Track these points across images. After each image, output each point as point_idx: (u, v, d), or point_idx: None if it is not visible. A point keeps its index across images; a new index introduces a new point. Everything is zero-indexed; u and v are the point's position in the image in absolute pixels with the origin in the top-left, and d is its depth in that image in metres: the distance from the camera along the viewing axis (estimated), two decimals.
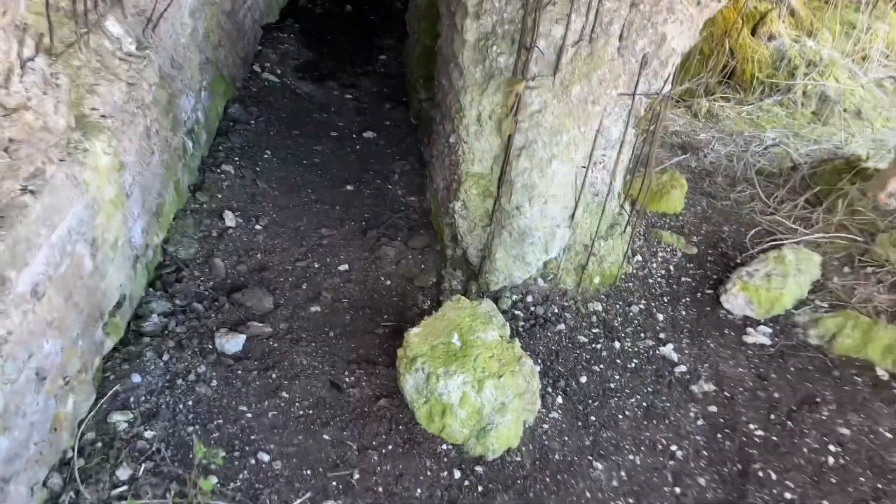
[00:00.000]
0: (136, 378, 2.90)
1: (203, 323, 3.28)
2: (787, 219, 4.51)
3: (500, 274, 3.65)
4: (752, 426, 3.15)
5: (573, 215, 3.59)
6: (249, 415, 2.87)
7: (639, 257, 4.08)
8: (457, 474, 2.77)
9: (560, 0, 3.07)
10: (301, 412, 2.93)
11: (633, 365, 3.41)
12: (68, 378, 2.49)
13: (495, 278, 3.67)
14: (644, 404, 3.20)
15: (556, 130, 3.34)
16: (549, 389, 3.20)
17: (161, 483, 2.48)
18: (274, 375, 3.08)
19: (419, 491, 2.69)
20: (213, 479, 2.52)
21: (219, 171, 4.37)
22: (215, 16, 4.75)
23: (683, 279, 4.02)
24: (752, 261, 3.92)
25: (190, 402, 2.85)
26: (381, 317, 3.57)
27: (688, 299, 3.87)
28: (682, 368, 3.41)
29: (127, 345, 3.04)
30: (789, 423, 3.18)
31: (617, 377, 3.33)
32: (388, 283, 3.82)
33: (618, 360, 3.42)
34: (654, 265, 4.07)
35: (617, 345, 3.50)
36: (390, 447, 2.84)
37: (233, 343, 3.18)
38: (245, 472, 2.62)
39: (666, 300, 3.85)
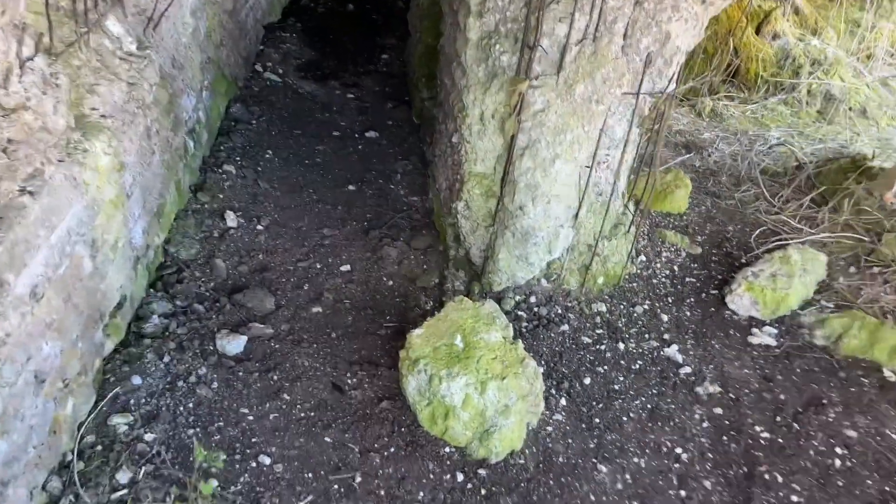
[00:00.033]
0: (137, 380, 2.88)
1: (204, 324, 3.26)
2: (793, 218, 4.48)
3: (503, 274, 3.63)
4: (757, 428, 3.12)
5: (577, 215, 3.57)
6: (251, 417, 2.85)
7: (643, 257, 4.05)
8: (459, 477, 2.75)
9: None
10: (302, 414, 2.91)
11: (637, 366, 3.38)
12: (68, 380, 2.47)
13: (498, 279, 3.64)
14: (649, 406, 3.17)
15: (559, 130, 3.31)
16: (553, 391, 3.17)
17: (161, 486, 2.46)
18: (275, 377, 3.06)
19: (422, 494, 2.66)
20: (214, 483, 2.50)
21: (220, 171, 4.35)
22: (217, 15, 4.73)
23: (688, 279, 3.99)
24: (758, 261, 3.89)
25: (191, 405, 2.83)
26: (384, 318, 3.55)
27: (692, 300, 3.84)
28: (687, 370, 3.38)
29: (127, 346, 3.02)
30: (795, 425, 3.15)
31: (621, 379, 3.30)
32: (391, 283, 3.80)
33: (622, 362, 3.39)
34: (659, 265, 4.04)
35: (621, 346, 3.47)
36: (392, 450, 2.81)
37: (234, 344, 3.16)
38: (246, 475, 2.60)
39: (670, 301, 3.82)
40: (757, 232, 4.37)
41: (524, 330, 3.47)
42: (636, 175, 3.89)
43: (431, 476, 2.73)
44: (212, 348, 3.13)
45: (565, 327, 3.52)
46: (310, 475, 2.66)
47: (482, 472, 2.78)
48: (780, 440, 3.07)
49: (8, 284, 2.01)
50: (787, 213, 4.55)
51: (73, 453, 2.49)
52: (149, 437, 2.64)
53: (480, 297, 3.61)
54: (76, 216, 2.46)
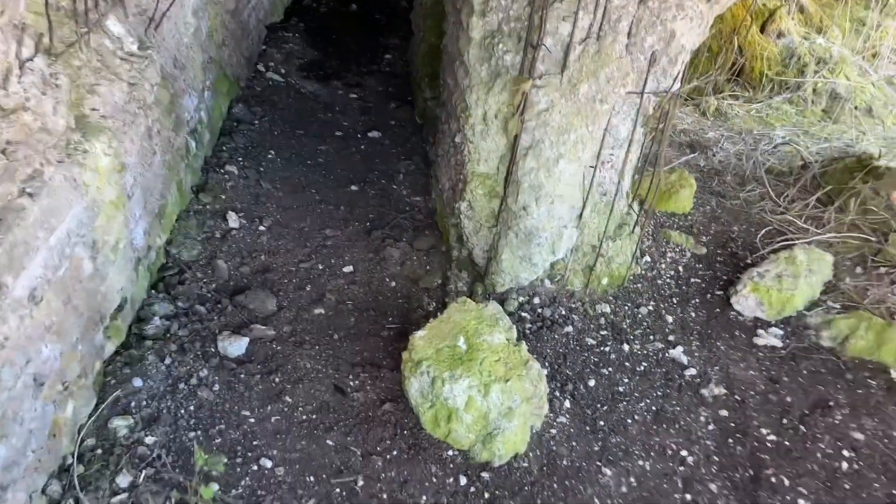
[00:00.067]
0: (138, 382, 2.86)
1: (205, 326, 3.24)
2: (798, 218, 4.44)
3: (507, 275, 3.60)
4: (763, 431, 3.09)
5: (581, 215, 3.54)
6: (252, 420, 2.83)
7: (647, 258, 4.02)
8: (463, 481, 2.72)
9: None
10: (304, 417, 2.89)
11: (642, 368, 3.35)
12: (67, 383, 2.45)
13: (501, 280, 3.61)
14: (653, 408, 3.15)
15: (563, 129, 3.29)
16: (557, 393, 3.15)
17: (162, 490, 2.44)
18: (277, 379, 3.04)
19: (424, 498, 2.64)
20: (215, 486, 2.48)
21: (222, 171, 4.33)
22: (219, 15, 4.72)
23: (693, 280, 3.96)
24: (763, 261, 3.86)
25: (192, 407, 2.81)
26: (386, 319, 3.53)
27: (697, 301, 3.81)
28: (692, 371, 3.35)
29: (128, 348, 3.00)
30: (802, 427, 3.12)
31: (626, 381, 3.27)
32: (393, 284, 3.77)
33: (626, 363, 3.37)
34: (663, 266, 4.01)
35: (626, 347, 3.45)
36: (395, 453, 2.79)
37: (235, 346, 3.14)
38: (247, 478, 2.58)
39: (675, 301, 3.79)
40: (762, 232, 4.33)
41: (528, 331, 3.44)
42: (640, 175, 3.86)
43: (434, 479, 2.71)
44: (213, 350, 3.11)
45: (569, 328, 3.49)
46: (311, 479, 2.63)
47: (485, 475, 2.75)
48: (787, 443, 3.04)
49: (6, 287, 2.00)
50: (792, 213, 4.51)
51: (73, 457, 2.47)
52: (149, 440, 2.62)
53: (483, 298, 3.59)
54: (76, 218, 2.44)
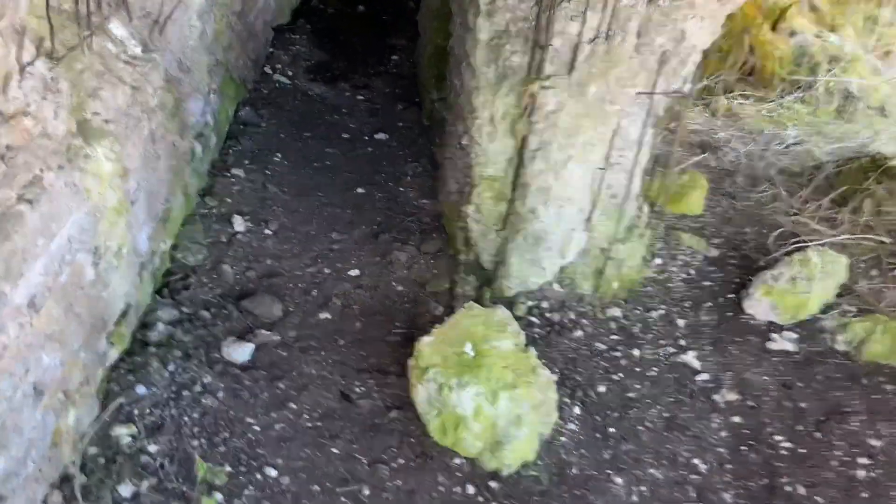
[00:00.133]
0: (141, 389, 2.82)
1: (210, 331, 3.21)
2: (812, 220, 4.36)
3: (515, 279, 3.55)
4: (778, 437, 3.03)
5: (590, 218, 3.49)
6: (256, 427, 2.79)
7: (658, 260, 3.96)
8: (470, 490, 2.68)
9: None
10: (310, 424, 2.85)
11: (653, 373, 3.29)
12: (69, 391, 2.42)
13: (510, 284, 3.57)
14: (665, 415, 3.09)
15: (572, 131, 3.24)
16: (567, 400, 3.09)
17: (164, 500, 2.41)
18: (282, 386, 3.00)
19: None
20: (218, 496, 2.45)
21: (228, 174, 4.31)
22: (225, 17, 4.68)
23: (704, 283, 3.89)
24: (776, 264, 3.79)
25: (196, 415, 2.78)
26: (393, 324, 3.48)
27: (709, 304, 3.75)
28: (705, 377, 3.29)
29: (132, 355, 2.97)
30: (817, 433, 3.05)
31: (637, 386, 3.21)
32: (400, 288, 3.73)
33: (637, 369, 3.31)
34: (674, 269, 3.95)
35: (636, 352, 3.39)
36: (402, 461, 2.75)
37: (240, 352, 3.11)
38: (251, 487, 2.55)
39: (687, 305, 3.72)
40: (775, 234, 4.25)
41: (537, 336, 3.39)
42: (651, 176, 3.80)
43: (441, 489, 2.67)
44: (218, 356, 3.08)
45: (579, 333, 3.44)
46: (316, 488, 2.60)
47: (494, 484, 2.70)
48: (802, 450, 2.98)
49: (5, 295, 1.96)
50: (805, 215, 4.43)
51: (74, 466, 2.44)
52: (152, 448, 2.59)
53: (491, 302, 3.53)
54: (77, 223, 2.41)
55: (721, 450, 2.96)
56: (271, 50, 5.96)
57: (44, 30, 2.51)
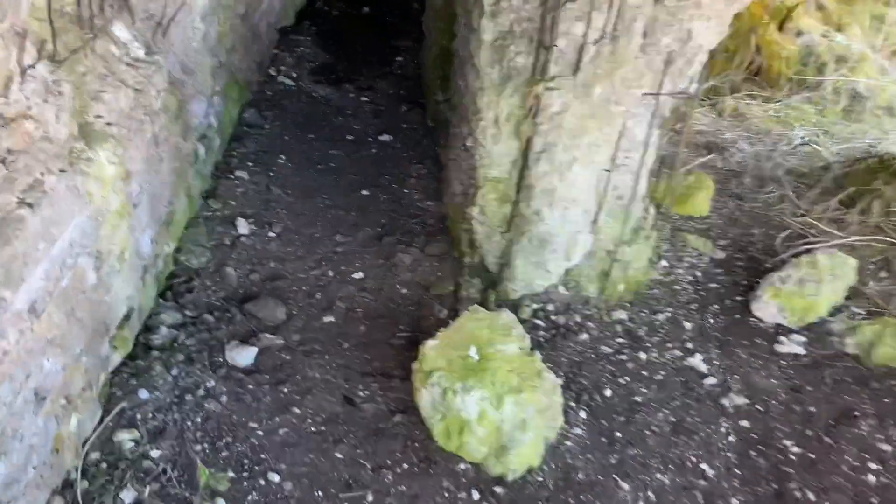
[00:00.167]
0: (144, 394, 2.81)
1: (214, 335, 3.19)
2: (820, 221, 4.32)
3: (520, 282, 3.53)
4: (787, 442, 2.99)
5: (595, 220, 3.46)
6: (260, 432, 2.77)
7: (664, 262, 3.93)
8: (475, 496, 2.65)
9: None
10: (313, 429, 2.83)
11: (660, 377, 3.26)
12: (71, 396, 2.40)
13: (515, 286, 3.54)
14: (672, 419, 3.05)
15: (577, 132, 3.21)
16: (572, 404, 3.06)
17: None
18: (286, 390, 2.98)
19: None
20: (221, 502, 2.42)
21: (232, 176, 4.29)
22: (229, 19, 4.66)
23: (711, 285, 3.86)
24: (784, 266, 3.75)
25: (198, 419, 2.76)
26: (397, 327, 3.46)
27: (716, 307, 3.71)
28: (712, 380, 3.26)
29: (135, 359, 2.96)
30: (826, 438, 3.02)
31: (643, 390, 3.18)
32: (404, 291, 3.70)
33: (644, 372, 3.27)
34: (681, 271, 3.92)
35: (643, 355, 3.36)
36: (406, 466, 2.72)
37: (244, 356, 3.09)
38: (254, 493, 2.52)
39: (693, 308, 3.69)
40: (782, 235, 4.22)
41: (542, 339, 3.36)
42: (657, 177, 3.76)
43: (446, 494, 2.64)
44: (221, 360, 3.06)
45: (584, 336, 3.41)
46: (320, 493, 2.57)
47: (499, 490, 2.67)
48: (811, 455, 2.94)
49: (5, 301, 1.94)
50: (813, 216, 4.39)
51: (76, 472, 2.42)
52: (155, 453, 2.57)
53: (496, 304, 3.51)
54: (79, 227, 2.39)
55: (729, 455, 2.92)
56: (275, 52, 5.94)
57: (46, 32, 2.49)
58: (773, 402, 3.17)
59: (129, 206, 2.85)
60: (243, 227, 3.90)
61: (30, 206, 2.11)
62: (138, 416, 2.71)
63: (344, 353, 3.24)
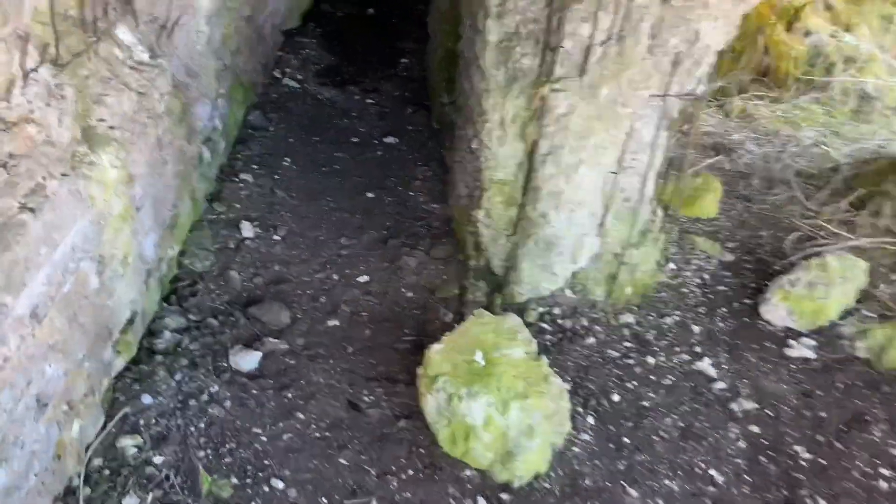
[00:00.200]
0: (147, 399, 2.79)
1: (217, 339, 3.17)
2: (829, 223, 4.27)
3: (526, 285, 3.50)
4: (797, 447, 2.95)
5: (602, 223, 3.42)
6: (264, 438, 2.75)
7: (672, 265, 3.89)
8: (481, 502, 2.62)
9: None
10: (318, 434, 2.81)
11: (668, 381, 3.22)
12: (73, 402, 2.38)
13: (521, 290, 3.51)
14: (681, 424, 3.02)
15: (583, 134, 3.18)
16: (580, 409, 3.02)
17: None
18: (290, 395, 2.96)
19: None
20: None
21: (237, 179, 4.28)
22: (234, 22, 4.65)
23: (719, 288, 3.82)
24: (793, 268, 3.70)
25: (202, 425, 2.74)
26: (402, 331, 3.43)
27: (725, 310, 3.67)
28: (721, 385, 3.22)
29: (139, 363, 2.94)
30: (837, 443, 2.97)
31: (651, 395, 3.14)
32: (409, 294, 3.68)
33: (652, 377, 3.24)
34: (689, 274, 3.88)
35: (651, 360, 3.32)
36: (411, 472, 2.69)
37: (248, 360, 3.07)
38: (258, 499, 2.50)
39: (702, 311, 3.65)
40: (791, 237, 4.17)
41: (548, 343, 3.33)
42: (664, 179, 3.73)
43: (452, 501, 2.61)
44: (225, 365, 3.04)
45: (591, 340, 3.38)
46: (324, 500, 2.55)
47: (505, 496, 2.64)
48: (822, 460, 2.90)
49: (6, 307, 1.92)
50: (823, 218, 4.34)
51: (79, 478, 2.40)
52: (158, 459, 2.55)
53: (502, 308, 3.48)
54: (81, 232, 2.37)
55: (738, 460, 2.88)
56: (280, 54, 5.94)
57: (48, 36, 2.47)
58: (783, 406, 3.13)
59: (132, 210, 2.83)
60: (247, 230, 3.89)
61: (31, 210, 2.10)
62: (141, 422, 2.69)
63: (348, 358, 3.22)
